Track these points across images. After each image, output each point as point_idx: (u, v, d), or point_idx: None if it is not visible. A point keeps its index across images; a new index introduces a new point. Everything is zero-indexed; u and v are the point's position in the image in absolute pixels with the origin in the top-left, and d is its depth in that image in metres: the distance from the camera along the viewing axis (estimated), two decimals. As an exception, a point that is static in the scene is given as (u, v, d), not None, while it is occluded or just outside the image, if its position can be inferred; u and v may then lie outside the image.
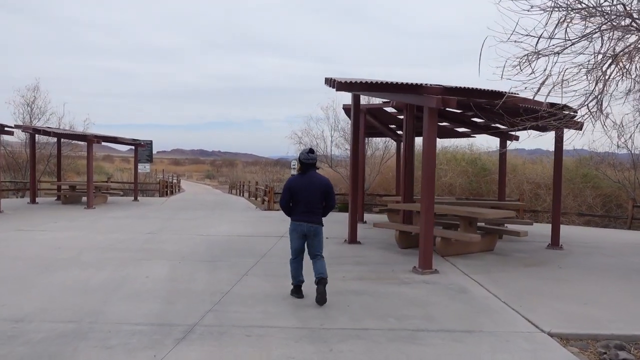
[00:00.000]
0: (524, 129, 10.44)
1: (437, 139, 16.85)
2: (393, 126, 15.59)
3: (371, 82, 6.20)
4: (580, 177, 16.75)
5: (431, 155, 6.56)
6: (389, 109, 13.51)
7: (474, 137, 15.04)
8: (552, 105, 8.03)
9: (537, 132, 12.08)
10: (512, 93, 7.04)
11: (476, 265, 7.39)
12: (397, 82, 6.16)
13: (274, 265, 7.14)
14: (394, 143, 20.89)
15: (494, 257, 8.24)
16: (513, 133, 13.69)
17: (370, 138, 19.66)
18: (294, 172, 18.88)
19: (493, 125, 13.61)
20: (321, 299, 4.92)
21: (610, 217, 16.10)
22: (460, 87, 6.53)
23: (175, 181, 37.60)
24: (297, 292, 5.27)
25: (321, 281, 4.95)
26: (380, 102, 13.36)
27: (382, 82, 6.18)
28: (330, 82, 7.38)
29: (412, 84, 6.21)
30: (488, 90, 6.64)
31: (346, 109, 13.99)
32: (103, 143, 20.01)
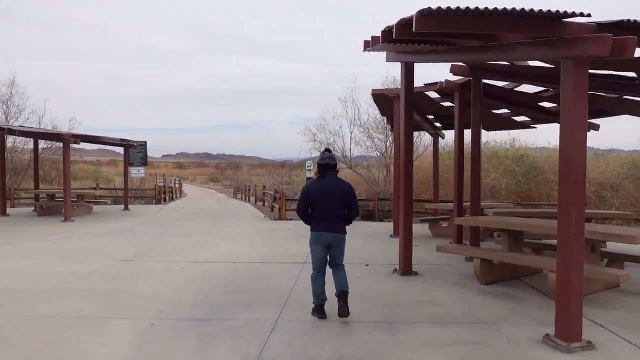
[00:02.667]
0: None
1: (484, 131, 13.97)
2: (431, 117, 12.81)
3: (485, 10, 3.45)
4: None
5: (580, 140, 3.77)
6: (430, 94, 10.70)
7: (534, 127, 12.22)
8: None
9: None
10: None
11: (634, 322, 4.60)
12: (532, 10, 3.40)
13: (306, 328, 4.38)
14: (423, 139, 18.16)
15: (636, 301, 5.44)
16: (593, 121, 10.91)
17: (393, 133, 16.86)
18: (310, 174, 16.14)
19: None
20: (343, 313, 4.47)
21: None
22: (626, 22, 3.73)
23: (177, 185, 35.02)
24: (320, 312, 4.64)
25: (342, 295, 4.53)
26: (422, 85, 10.58)
27: (503, 9, 3.42)
28: (391, 31, 4.61)
29: (554, 13, 3.45)
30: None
31: (377, 95, 11.23)
32: (87, 145, 17.46)
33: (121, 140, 16.79)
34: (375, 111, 17.91)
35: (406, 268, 6.71)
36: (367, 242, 9.99)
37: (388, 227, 12.84)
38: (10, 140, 19.55)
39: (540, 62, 6.62)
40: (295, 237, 10.61)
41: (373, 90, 11.15)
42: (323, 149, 4.92)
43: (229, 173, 73.45)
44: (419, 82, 10.65)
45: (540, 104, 10.18)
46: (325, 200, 4.53)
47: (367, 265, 7.41)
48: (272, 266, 7.36)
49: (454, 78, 9.16)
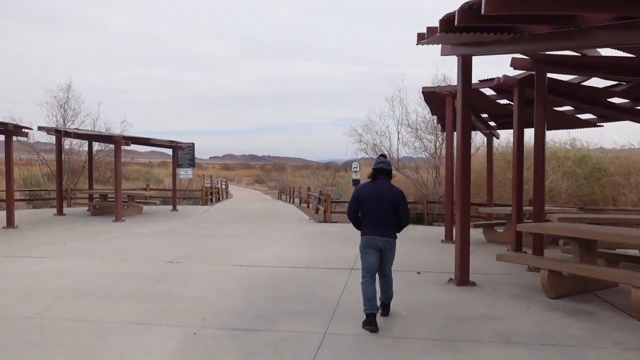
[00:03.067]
0: None
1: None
2: (485, 115, 12.11)
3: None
4: None
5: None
6: (485, 90, 10.04)
7: (600, 126, 11.27)
8: None
9: None
10: None
11: None
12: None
13: (356, 343, 4.03)
14: (475, 139, 17.31)
15: None
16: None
17: (443, 133, 16.14)
18: (355, 175, 15.78)
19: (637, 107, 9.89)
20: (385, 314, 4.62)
21: None
22: None
23: (223, 186, 35.55)
24: (371, 323, 4.32)
25: (384, 306, 4.68)
26: (477, 82, 9.95)
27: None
28: (450, 19, 4.20)
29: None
30: None
31: (427, 92, 10.69)
32: (140, 146, 17.89)
33: (169, 141, 17.10)
34: (423, 110, 17.32)
35: (463, 277, 6.21)
36: (417, 247, 9.50)
37: (438, 231, 12.26)
38: (67, 143, 20.43)
39: (617, 51, 5.96)
40: (341, 240, 10.28)
41: (423, 87, 10.63)
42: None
43: (274, 174, 74.17)
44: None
45: (610, 99, 9.34)
46: (375, 204, 4.48)
47: (418, 272, 6.96)
48: (317, 271, 7.06)
49: (512, 73, 8.55)
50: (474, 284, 6.21)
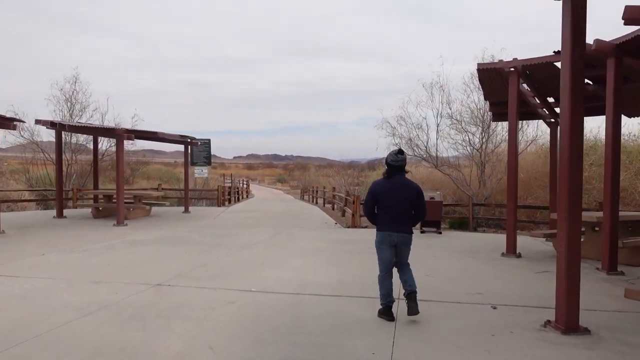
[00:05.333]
0: None
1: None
2: (551, 100, 9.96)
3: None
4: None
5: None
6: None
7: None
8: None
9: None
10: None
11: None
12: None
13: None
14: (526, 132, 15.09)
15: None
16: None
17: (494, 123, 13.98)
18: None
19: None
20: (413, 311, 4.38)
21: None
22: None
23: (244, 186, 34.02)
24: (387, 313, 4.51)
25: (411, 295, 4.44)
26: (551, 54, 7.84)
27: None
28: None
29: None
30: None
31: (485, 69, 8.59)
32: (166, 145, 16.31)
33: (180, 136, 15.44)
34: (467, 99, 15.18)
35: (570, 322, 4.18)
36: (474, 264, 7.50)
37: (490, 239, 10.23)
38: (74, 139, 19.06)
39: None
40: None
41: (479, 64, 8.57)
42: (403, 144, 3.76)
43: (296, 174, 72.63)
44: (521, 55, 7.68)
45: None
46: (393, 201, 4.51)
47: (494, 307, 4.99)
48: (352, 302, 5.16)
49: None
50: (586, 330, 4.19)
